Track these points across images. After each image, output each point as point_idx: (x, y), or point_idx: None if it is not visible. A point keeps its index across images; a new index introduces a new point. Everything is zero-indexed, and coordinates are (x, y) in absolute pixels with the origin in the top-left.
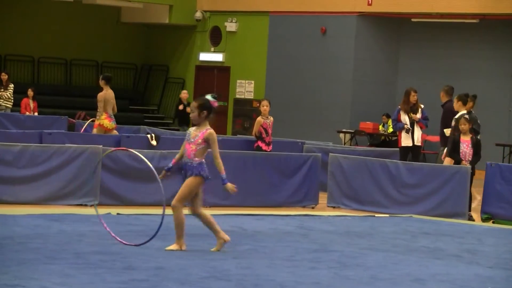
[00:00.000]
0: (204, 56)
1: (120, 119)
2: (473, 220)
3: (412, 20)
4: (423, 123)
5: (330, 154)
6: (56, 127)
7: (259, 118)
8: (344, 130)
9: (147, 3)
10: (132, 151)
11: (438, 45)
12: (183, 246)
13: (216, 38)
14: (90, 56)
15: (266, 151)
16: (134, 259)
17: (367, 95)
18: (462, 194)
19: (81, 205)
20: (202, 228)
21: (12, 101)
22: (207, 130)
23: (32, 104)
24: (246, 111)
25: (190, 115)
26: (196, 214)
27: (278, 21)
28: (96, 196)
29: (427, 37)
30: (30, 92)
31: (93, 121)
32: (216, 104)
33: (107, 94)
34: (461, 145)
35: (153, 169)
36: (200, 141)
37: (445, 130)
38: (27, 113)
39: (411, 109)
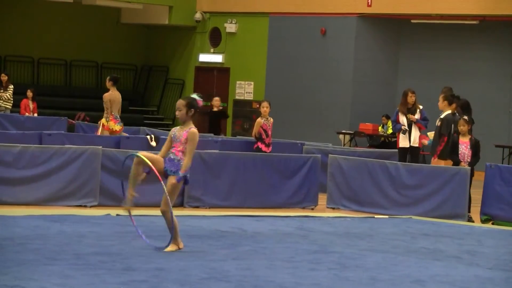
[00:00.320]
0: (204, 57)
1: None
2: (473, 221)
3: (412, 21)
4: (422, 124)
5: (330, 155)
6: (56, 128)
7: (258, 119)
8: (343, 131)
9: (147, 4)
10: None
11: (438, 46)
12: (180, 244)
13: (215, 39)
14: (90, 57)
15: (266, 152)
16: (134, 260)
17: (367, 96)
18: (461, 196)
19: (81, 206)
20: (202, 229)
21: (12, 102)
22: (191, 129)
23: (31, 105)
24: (246, 112)
25: (177, 114)
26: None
27: (278, 22)
28: (96, 197)
29: (427, 38)
30: (29, 93)
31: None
32: (201, 103)
33: (112, 95)
34: (460, 146)
35: (156, 171)
36: (184, 140)
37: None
38: (27, 114)
39: (409, 110)
